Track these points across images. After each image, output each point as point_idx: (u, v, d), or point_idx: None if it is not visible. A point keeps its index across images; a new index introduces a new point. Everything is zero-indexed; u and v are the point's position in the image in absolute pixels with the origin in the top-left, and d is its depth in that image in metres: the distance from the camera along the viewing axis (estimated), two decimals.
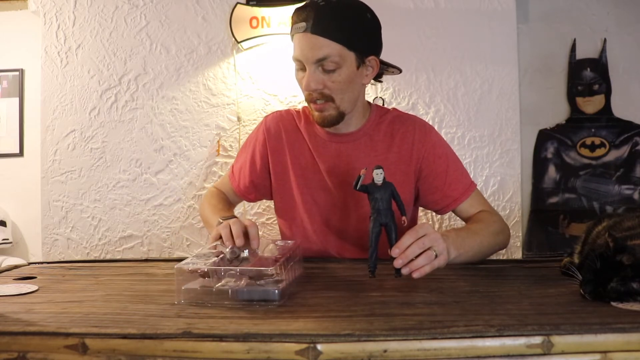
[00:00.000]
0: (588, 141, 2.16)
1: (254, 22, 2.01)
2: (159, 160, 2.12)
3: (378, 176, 0.94)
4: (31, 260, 1.62)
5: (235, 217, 1.12)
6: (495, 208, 1.95)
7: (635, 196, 2.13)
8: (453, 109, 2.04)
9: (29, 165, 2.31)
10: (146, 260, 1.26)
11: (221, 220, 1.09)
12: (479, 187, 1.28)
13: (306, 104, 1.24)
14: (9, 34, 2.35)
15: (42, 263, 1.25)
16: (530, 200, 2.18)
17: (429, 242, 0.91)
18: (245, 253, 0.96)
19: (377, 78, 1.26)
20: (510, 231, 1.30)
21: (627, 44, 2.15)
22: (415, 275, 0.89)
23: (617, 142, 2.15)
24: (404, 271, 0.89)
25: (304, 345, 0.65)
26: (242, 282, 0.84)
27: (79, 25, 2.14)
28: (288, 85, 2.06)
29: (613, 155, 2.15)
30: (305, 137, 1.28)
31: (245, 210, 2.09)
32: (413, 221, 1.34)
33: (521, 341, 0.65)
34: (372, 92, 2.01)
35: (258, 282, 0.85)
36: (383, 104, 1.75)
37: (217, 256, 0.93)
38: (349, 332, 0.67)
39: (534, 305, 0.79)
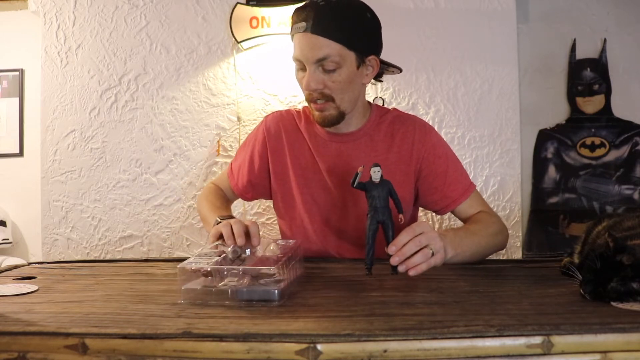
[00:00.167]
0: (588, 141, 2.16)
1: (254, 22, 2.01)
2: (159, 160, 2.12)
3: (375, 174, 0.94)
4: (31, 260, 1.62)
5: (233, 217, 1.12)
6: (495, 208, 1.96)
7: (635, 196, 2.13)
8: (453, 109, 2.04)
9: (29, 165, 2.31)
10: (146, 260, 1.26)
11: (219, 220, 1.09)
12: (478, 187, 1.28)
13: (306, 104, 1.24)
14: (9, 34, 2.35)
15: (42, 263, 1.25)
16: (530, 200, 2.18)
17: (425, 240, 0.91)
18: (247, 252, 0.96)
19: (378, 78, 1.26)
20: (510, 231, 1.30)
21: (627, 44, 2.15)
22: (412, 272, 0.89)
23: (617, 142, 2.15)
24: (401, 269, 0.89)
25: (304, 345, 0.65)
26: (245, 282, 0.84)
27: (79, 25, 2.14)
28: (288, 85, 2.06)
29: (613, 155, 2.15)
30: (305, 137, 1.28)
31: (245, 210, 2.09)
32: (413, 221, 1.33)
33: (521, 341, 0.65)
34: (372, 92, 2.01)
35: (259, 282, 0.85)
36: (383, 104, 1.75)
37: (219, 255, 0.93)
38: (349, 332, 0.67)
39: (534, 305, 0.79)
